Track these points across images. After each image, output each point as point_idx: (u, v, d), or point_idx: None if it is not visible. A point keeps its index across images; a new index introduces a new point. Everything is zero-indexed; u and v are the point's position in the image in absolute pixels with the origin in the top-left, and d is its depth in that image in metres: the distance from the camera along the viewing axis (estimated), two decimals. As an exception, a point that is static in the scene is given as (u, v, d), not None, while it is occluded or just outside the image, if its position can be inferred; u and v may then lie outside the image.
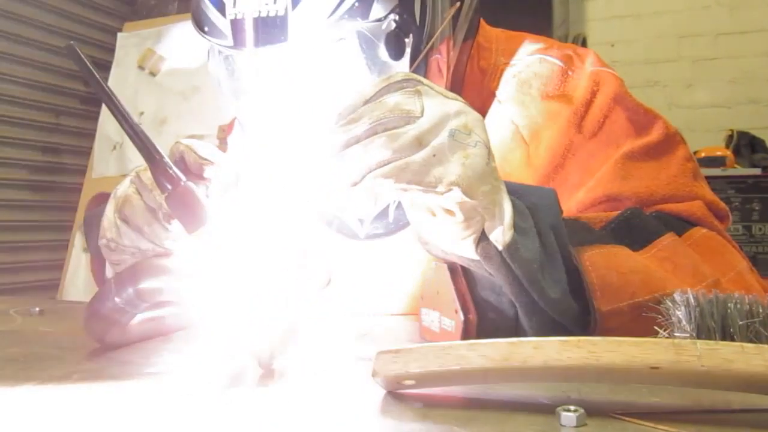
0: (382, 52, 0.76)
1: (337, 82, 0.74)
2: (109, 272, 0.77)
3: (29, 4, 2.94)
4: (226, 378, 0.57)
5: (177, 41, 3.05)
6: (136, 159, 2.95)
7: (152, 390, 0.55)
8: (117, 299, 0.62)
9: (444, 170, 0.58)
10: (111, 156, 3.02)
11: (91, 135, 3.11)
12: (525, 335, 0.66)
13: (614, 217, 0.77)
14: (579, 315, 0.65)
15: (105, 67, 3.15)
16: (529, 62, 0.96)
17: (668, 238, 0.76)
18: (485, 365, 0.47)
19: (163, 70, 3.04)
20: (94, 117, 3.11)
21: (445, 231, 0.62)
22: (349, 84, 0.74)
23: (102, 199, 0.91)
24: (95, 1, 3.27)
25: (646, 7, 3.22)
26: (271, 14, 0.68)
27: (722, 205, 0.88)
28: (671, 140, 0.89)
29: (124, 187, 0.71)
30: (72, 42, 0.61)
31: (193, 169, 0.65)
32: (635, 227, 0.76)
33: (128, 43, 3.15)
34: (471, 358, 0.48)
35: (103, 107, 3.07)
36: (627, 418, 0.45)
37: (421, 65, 0.80)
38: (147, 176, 0.68)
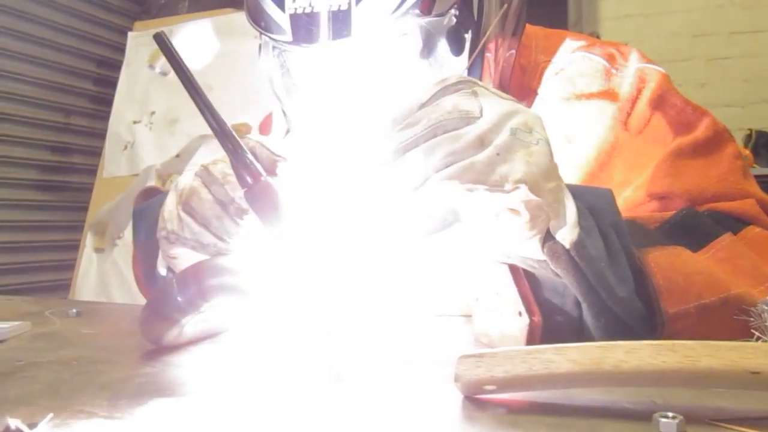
0: (443, 48, 0.74)
1: (400, 78, 0.73)
2: (161, 266, 0.75)
3: (40, 3, 2.93)
4: (297, 382, 0.55)
5: (188, 40, 3.03)
6: (147, 159, 2.94)
7: (220, 394, 0.54)
8: (179, 298, 0.60)
9: (509, 168, 0.57)
10: (122, 156, 3.00)
11: (101, 135, 3.09)
12: (589, 337, 0.65)
13: (670, 217, 0.76)
14: (645, 316, 0.64)
15: (115, 66, 3.14)
16: (571, 60, 0.95)
17: (726, 239, 0.74)
18: (575, 369, 0.46)
19: (175, 69, 3.02)
20: (104, 117, 3.09)
21: (510, 232, 0.61)
22: (411, 81, 0.72)
23: (152, 192, 0.89)
24: (106, 0, 3.26)
25: (659, 6, 3.20)
26: (334, 8, 0.67)
27: (773, 203, 0.86)
28: (720, 137, 0.88)
29: (188, 180, 0.69)
30: (162, 30, 0.60)
31: (265, 165, 0.63)
32: (692, 228, 0.75)
33: (139, 42, 3.14)
34: (560, 362, 0.46)
35: (114, 107, 3.05)
36: (728, 426, 0.43)
37: (477, 62, 0.79)
38: (217, 170, 0.67)
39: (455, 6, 0.75)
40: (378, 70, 0.72)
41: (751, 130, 2.76)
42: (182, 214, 0.68)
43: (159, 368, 0.61)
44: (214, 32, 2.97)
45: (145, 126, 3.02)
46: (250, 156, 0.60)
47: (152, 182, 2.90)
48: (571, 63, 0.94)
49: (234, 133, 0.60)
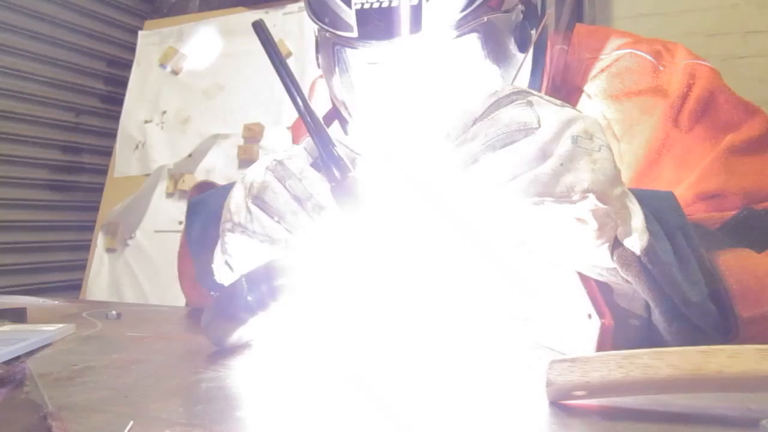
0: (511, 44, 0.72)
1: (468, 75, 0.71)
2: (218, 264, 0.72)
3: (50, 2, 2.91)
4: (375, 385, 0.54)
5: (199, 39, 3.01)
6: (159, 158, 2.92)
7: (291, 399, 0.52)
8: (249, 298, 0.58)
9: (574, 178, 0.56)
10: (133, 155, 2.98)
11: (111, 134, 3.07)
12: (659, 342, 0.64)
13: (731, 217, 0.74)
14: (718, 320, 0.62)
15: (126, 65, 3.12)
16: (618, 57, 0.93)
17: (791, 239, 0.73)
18: (675, 374, 0.44)
19: (186, 68, 3.01)
20: (115, 116, 3.07)
21: (578, 242, 0.59)
22: (477, 78, 0.70)
23: (205, 187, 0.88)
24: (116, 0, 3.24)
25: (673, 5, 3.18)
26: (404, 4, 0.65)
27: (830, 202, 0.84)
28: None
29: (258, 173, 0.68)
30: (261, 18, 0.58)
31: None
32: (754, 228, 0.73)
33: (149, 41, 3.12)
34: (659, 367, 0.45)
35: (125, 106, 3.03)
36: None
37: (540, 58, 0.77)
38: (294, 165, 0.65)
39: (521, 2, 0.73)
40: (445, 67, 0.70)
41: None
42: (252, 207, 0.67)
43: (222, 372, 0.59)
44: (225, 32, 2.96)
45: (156, 125, 3.00)
46: (338, 151, 0.58)
47: (164, 182, 2.88)
48: (618, 60, 0.93)
49: (325, 127, 0.59)
